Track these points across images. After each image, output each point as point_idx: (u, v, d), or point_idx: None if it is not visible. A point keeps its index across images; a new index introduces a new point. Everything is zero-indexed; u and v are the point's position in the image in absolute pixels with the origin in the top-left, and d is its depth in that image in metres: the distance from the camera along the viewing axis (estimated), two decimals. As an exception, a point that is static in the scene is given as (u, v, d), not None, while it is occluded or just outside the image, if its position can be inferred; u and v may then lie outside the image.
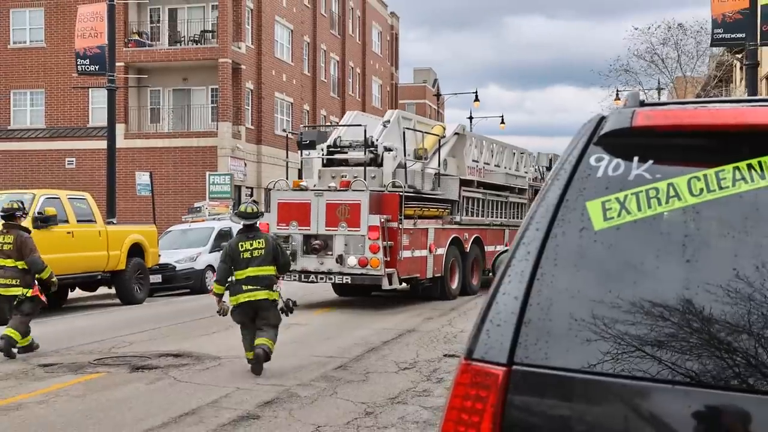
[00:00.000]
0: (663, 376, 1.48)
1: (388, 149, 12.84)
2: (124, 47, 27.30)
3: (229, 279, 7.29)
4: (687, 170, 1.63)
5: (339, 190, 12.24)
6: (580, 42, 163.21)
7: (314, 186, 12.90)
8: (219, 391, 6.47)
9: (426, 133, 14.07)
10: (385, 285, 12.00)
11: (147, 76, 27.77)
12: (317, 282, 12.34)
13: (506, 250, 3.64)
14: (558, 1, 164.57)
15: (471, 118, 37.95)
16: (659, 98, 30.76)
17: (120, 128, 24.70)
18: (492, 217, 15.89)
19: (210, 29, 28.97)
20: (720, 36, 16.25)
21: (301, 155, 13.96)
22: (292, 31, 33.44)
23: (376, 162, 12.89)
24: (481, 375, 1.58)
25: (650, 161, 1.66)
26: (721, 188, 1.59)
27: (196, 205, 23.18)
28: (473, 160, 15.27)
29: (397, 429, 5.36)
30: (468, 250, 14.42)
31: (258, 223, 7.60)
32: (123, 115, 27.14)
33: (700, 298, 1.51)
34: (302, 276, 12.24)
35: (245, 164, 28.87)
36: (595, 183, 1.67)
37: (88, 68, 18.49)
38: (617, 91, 32.84)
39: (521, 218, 17.24)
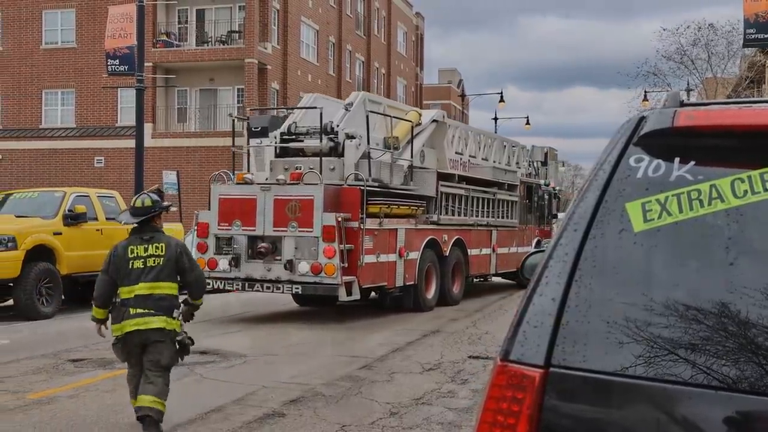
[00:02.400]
0: (706, 382, 1.45)
1: (350, 136, 10.97)
2: (152, 48, 27.67)
3: (114, 299, 5.26)
4: (730, 171, 1.60)
5: (289, 184, 10.51)
6: (597, 42, 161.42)
7: (266, 180, 11.06)
8: (244, 388, 6.51)
9: (398, 119, 12.07)
10: (342, 296, 10.14)
11: (175, 76, 28.11)
12: (263, 291, 10.57)
13: (537, 251, 3.62)
14: (572, 1, 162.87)
15: (496, 119, 37.73)
16: (688, 99, 30.26)
17: (148, 128, 25.01)
18: (477, 216, 13.86)
19: (237, 30, 29.23)
20: (753, 36, 16.00)
21: (249, 143, 12.11)
22: (317, 31, 33.59)
23: (337, 151, 11.00)
24: (517, 377, 1.57)
25: (692, 162, 1.64)
26: (766, 190, 1.56)
27: (221, 204, 23.36)
28: (456, 153, 13.42)
29: (422, 430, 5.35)
30: (447, 254, 12.55)
31: (153, 218, 5.32)
32: (151, 115, 27.50)
33: (744, 302, 1.48)
34: (246, 285, 10.55)
35: (270, 164, 29.04)
36: (635, 184, 1.65)
37: (117, 68, 18.81)
38: (645, 92, 32.46)
39: (511, 217, 15.61)
